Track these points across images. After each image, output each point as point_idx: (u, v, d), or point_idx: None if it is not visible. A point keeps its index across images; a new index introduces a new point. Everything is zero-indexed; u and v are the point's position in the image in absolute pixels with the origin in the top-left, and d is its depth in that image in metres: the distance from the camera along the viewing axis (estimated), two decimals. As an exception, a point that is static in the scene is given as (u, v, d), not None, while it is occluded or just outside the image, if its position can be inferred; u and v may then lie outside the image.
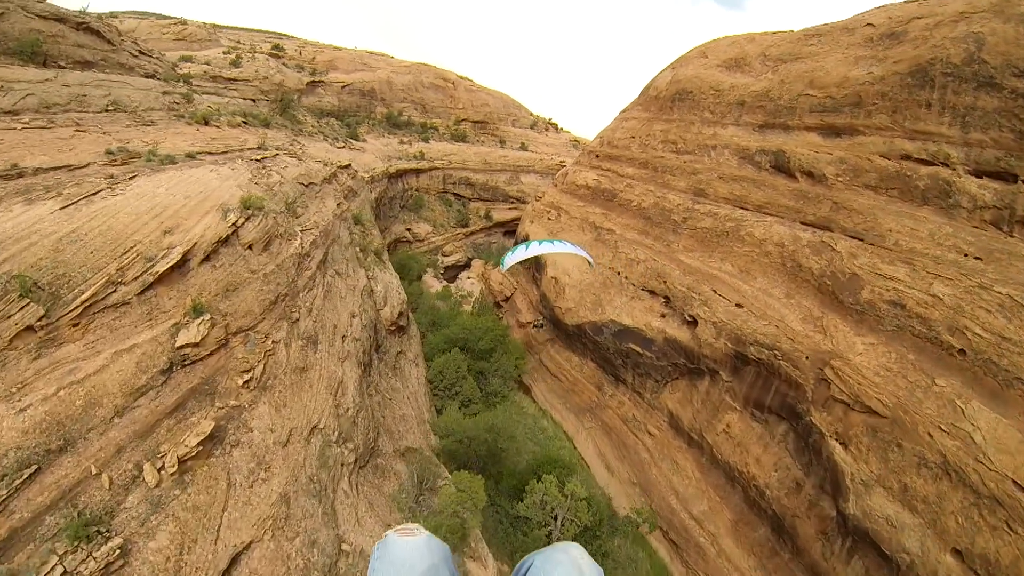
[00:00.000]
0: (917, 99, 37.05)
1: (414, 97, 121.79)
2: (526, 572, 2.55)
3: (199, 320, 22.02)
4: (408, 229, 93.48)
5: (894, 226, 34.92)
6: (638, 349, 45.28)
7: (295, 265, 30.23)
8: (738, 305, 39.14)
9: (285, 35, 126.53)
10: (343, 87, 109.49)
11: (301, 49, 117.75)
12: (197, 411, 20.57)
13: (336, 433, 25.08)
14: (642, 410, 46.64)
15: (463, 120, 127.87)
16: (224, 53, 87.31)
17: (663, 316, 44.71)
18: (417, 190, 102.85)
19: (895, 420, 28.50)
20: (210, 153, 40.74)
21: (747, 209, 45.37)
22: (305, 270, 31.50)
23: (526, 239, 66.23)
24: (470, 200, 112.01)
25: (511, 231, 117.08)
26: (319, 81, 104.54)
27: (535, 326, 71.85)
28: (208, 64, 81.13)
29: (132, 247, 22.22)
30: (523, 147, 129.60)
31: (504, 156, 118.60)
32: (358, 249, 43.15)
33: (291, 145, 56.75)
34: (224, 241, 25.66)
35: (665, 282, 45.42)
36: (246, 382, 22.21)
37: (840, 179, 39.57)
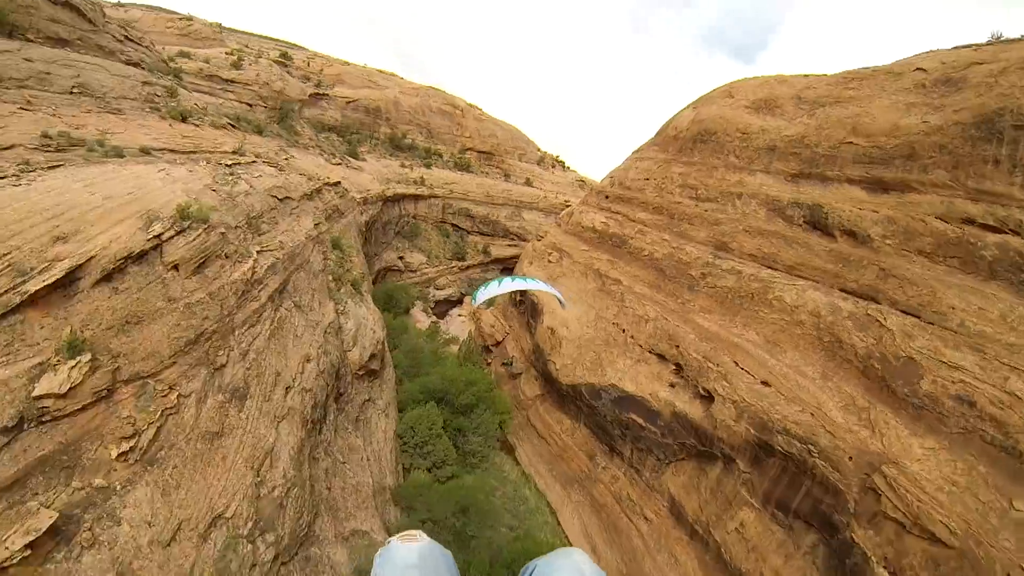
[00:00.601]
0: (983, 154, 31.85)
1: (420, 120, 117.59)
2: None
3: (74, 361, 16.24)
4: (400, 257, 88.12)
5: (957, 303, 29.34)
6: (640, 421, 39.39)
7: (237, 294, 24.53)
8: (764, 383, 33.43)
9: (296, 45, 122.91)
10: (348, 103, 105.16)
11: (310, 60, 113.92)
12: (42, 492, 14.67)
13: (250, 523, 18.96)
14: (639, 490, 40.52)
15: (468, 149, 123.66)
16: (227, 54, 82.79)
17: (672, 386, 38.95)
18: (414, 217, 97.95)
19: (964, 553, 22.54)
20: (172, 151, 35.70)
21: (776, 269, 39.95)
22: (251, 301, 25.78)
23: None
24: (469, 232, 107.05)
25: (509, 268, 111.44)
26: (323, 94, 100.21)
27: (504, 364, 66.00)
28: (207, 63, 76.50)
29: (4, 255, 16.57)
30: (528, 183, 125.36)
31: (508, 190, 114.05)
32: (331, 278, 37.54)
33: (276, 155, 51.82)
34: (138, 258, 19.98)
35: (677, 347, 39.77)
36: (124, 453, 16.29)
37: (888, 242, 34.19)
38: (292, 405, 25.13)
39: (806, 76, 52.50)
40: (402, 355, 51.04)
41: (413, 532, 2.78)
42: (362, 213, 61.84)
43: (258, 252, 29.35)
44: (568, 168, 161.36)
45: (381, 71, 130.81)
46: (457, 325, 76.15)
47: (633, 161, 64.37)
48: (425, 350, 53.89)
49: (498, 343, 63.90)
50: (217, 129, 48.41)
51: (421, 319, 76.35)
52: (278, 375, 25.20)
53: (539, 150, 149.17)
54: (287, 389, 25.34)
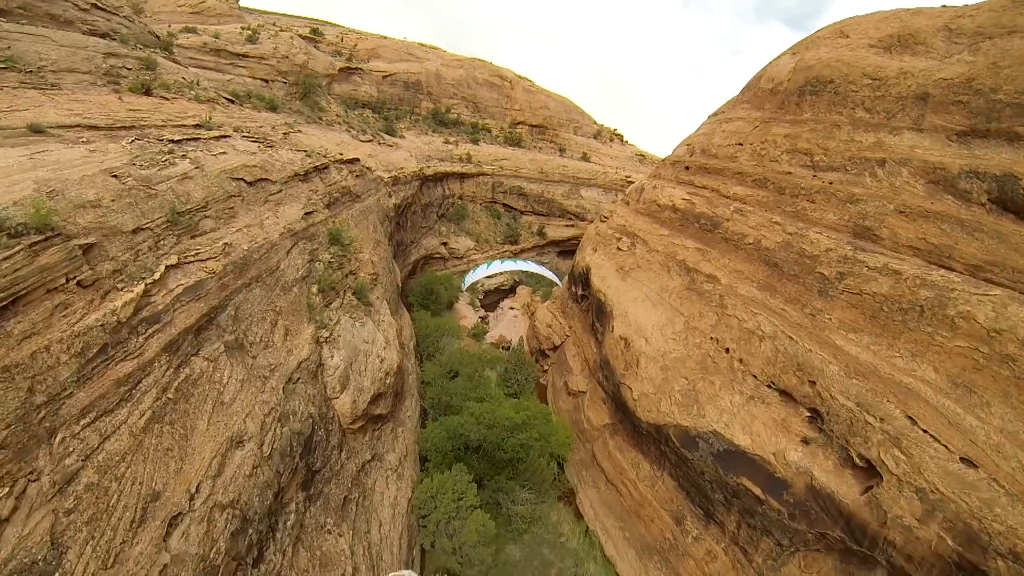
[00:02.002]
0: None
1: (465, 93, 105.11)
2: None
3: None
4: (444, 243, 76.47)
5: None
6: (756, 491, 26.62)
7: (82, 355, 13.12)
8: (967, 461, 20.25)
9: (328, 23, 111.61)
10: (384, 77, 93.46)
11: (343, 36, 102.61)
12: None
13: None
14: (751, 579, 28.10)
15: (519, 123, 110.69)
16: (243, 29, 72.03)
17: (806, 443, 25.95)
18: (460, 197, 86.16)
19: None
20: (91, 127, 25.06)
21: (953, 269, 26.34)
22: (117, 361, 14.28)
23: (586, 272, 48.08)
24: (522, 213, 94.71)
25: (567, 251, 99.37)
26: (356, 68, 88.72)
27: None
28: (215, 37, 65.84)
29: None
30: (585, 157, 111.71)
31: (563, 166, 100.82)
32: (314, 289, 25.90)
33: (273, 130, 40.51)
34: None
35: (812, 383, 26.69)
36: None
37: None
38: (183, 551, 13.55)
39: (943, 7, 38.46)
40: (438, 367, 39.22)
41: (405, 573, 3.38)
42: (390, 195, 50.20)
43: (170, 267, 17.88)
44: (626, 142, 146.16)
45: (421, 44, 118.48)
46: (508, 322, 64.15)
47: (716, 124, 50.72)
48: (464, 365, 41.76)
49: (556, 347, 51.61)
50: (201, 103, 37.76)
51: (467, 315, 64.69)
52: (153, 499, 13.62)
53: (595, 123, 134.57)
54: (173, 522, 13.75)
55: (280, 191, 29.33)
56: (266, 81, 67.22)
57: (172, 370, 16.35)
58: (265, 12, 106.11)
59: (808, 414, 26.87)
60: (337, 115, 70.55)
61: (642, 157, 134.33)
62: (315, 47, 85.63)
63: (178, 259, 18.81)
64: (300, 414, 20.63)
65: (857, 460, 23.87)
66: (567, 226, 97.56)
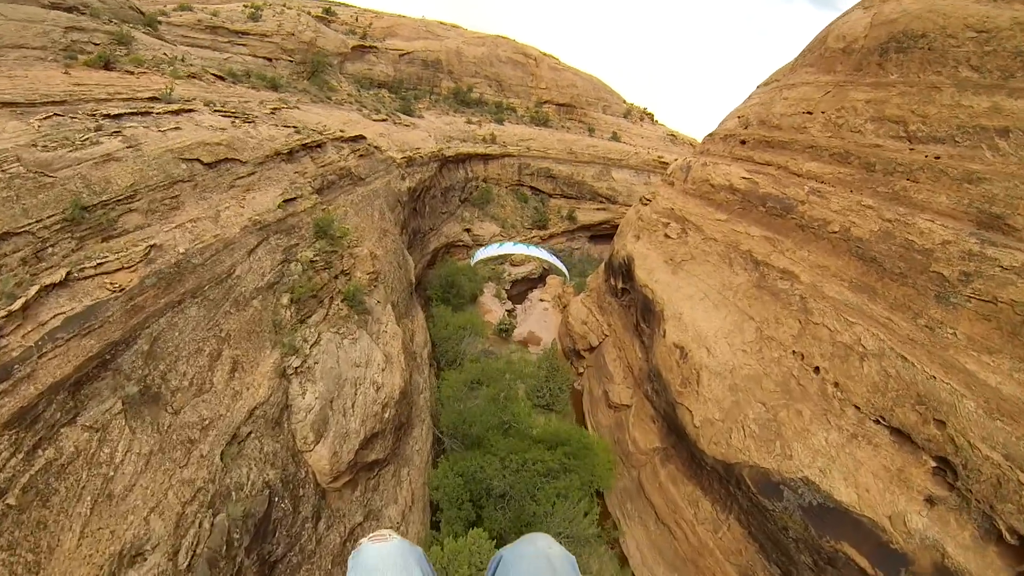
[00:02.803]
0: None
1: (488, 72, 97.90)
2: (496, 569, 2.54)
3: None
4: (467, 230, 69.97)
5: None
6: (862, 563, 19.54)
7: None
8: None
9: (343, 3, 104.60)
10: (401, 55, 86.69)
11: (358, 16, 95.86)
12: None
13: None
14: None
15: (546, 102, 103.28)
16: (244, 7, 65.80)
17: (930, 503, 19.08)
18: (485, 180, 79.52)
19: None
20: (7, 104, 18.50)
21: None
22: None
23: (627, 263, 41.15)
24: (550, 196, 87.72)
25: (598, 236, 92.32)
26: (370, 47, 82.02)
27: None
28: (214, 15, 59.74)
29: None
30: (615, 137, 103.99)
31: (593, 146, 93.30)
32: (286, 300, 19.52)
33: (263, 105, 34.53)
34: None
35: (942, 423, 19.74)
36: None
37: None
38: None
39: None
40: (450, 393, 32.41)
41: (384, 532, 2.62)
42: (403, 177, 43.63)
43: (49, 287, 11.94)
44: (657, 122, 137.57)
45: (441, 22, 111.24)
46: (538, 316, 57.39)
47: (774, 91, 43.33)
48: (487, 378, 35.15)
49: (592, 348, 44.88)
50: (179, 79, 32.26)
51: (492, 308, 58.14)
52: None
53: (624, 101, 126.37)
54: None
55: (253, 173, 23.06)
56: (269, 60, 61.22)
57: (21, 456, 10.18)
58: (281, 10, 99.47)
59: (934, 464, 19.86)
60: (349, 94, 64.21)
61: (673, 137, 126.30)
62: (327, 26, 79.21)
63: (68, 274, 12.64)
64: (250, 486, 14.41)
65: (1007, 535, 16.96)
66: (598, 209, 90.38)
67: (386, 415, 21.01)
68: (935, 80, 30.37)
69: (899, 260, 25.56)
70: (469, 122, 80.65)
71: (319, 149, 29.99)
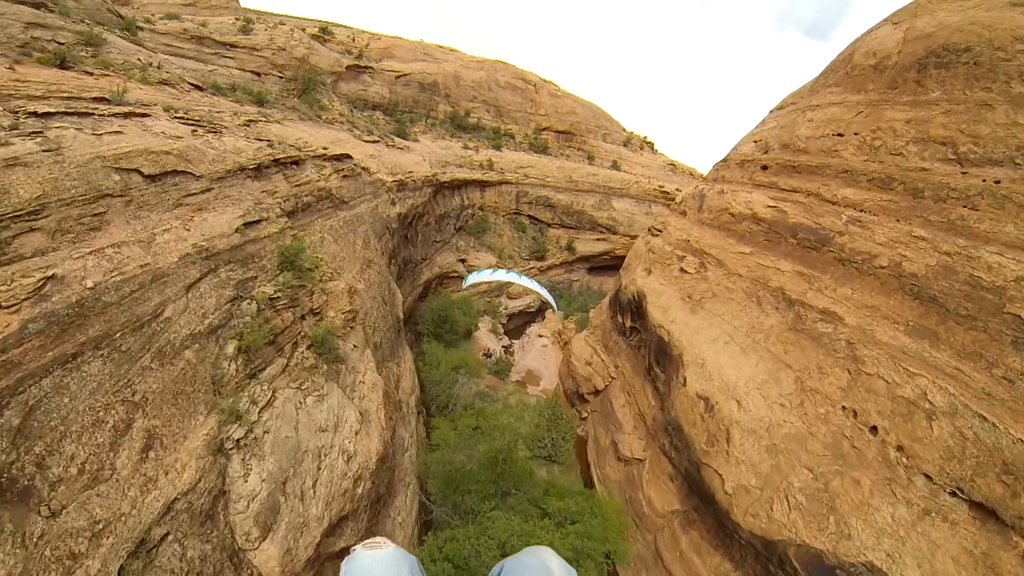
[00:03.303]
0: None
1: (486, 96, 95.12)
2: None
3: None
4: (462, 260, 66.02)
5: None
6: None
7: None
8: None
9: (341, 25, 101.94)
10: (398, 77, 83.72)
11: (355, 36, 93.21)
12: None
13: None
14: None
15: (544, 128, 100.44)
16: (235, 20, 62.64)
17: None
18: (481, 208, 76.01)
19: None
20: None
21: None
22: None
23: (638, 300, 37.23)
24: (549, 225, 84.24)
25: (597, 268, 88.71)
26: (366, 67, 79.03)
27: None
28: (202, 25, 56.47)
29: None
30: (615, 166, 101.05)
31: (593, 174, 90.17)
32: (231, 349, 15.35)
33: (236, 116, 30.81)
34: None
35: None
36: None
37: None
38: None
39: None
40: (442, 452, 27.90)
41: (378, 539, 2.59)
42: (393, 202, 39.77)
43: None
44: (657, 151, 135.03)
45: (440, 46, 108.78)
46: (536, 353, 53.25)
47: (794, 114, 40.14)
48: (487, 411, 30.95)
49: (597, 392, 40.68)
50: (150, 85, 28.66)
51: (488, 344, 53.95)
52: None
53: (624, 130, 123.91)
54: None
55: (208, 190, 19.13)
56: (258, 75, 57.83)
57: None
58: (270, 13, 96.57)
59: (1042, 555, 15.91)
60: (340, 114, 60.74)
61: (673, 166, 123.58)
62: (323, 45, 76.27)
63: None
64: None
65: None
66: (598, 240, 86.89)
67: (359, 490, 16.80)
68: (984, 97, 27.07)
69: (965, 300, 21.78)
70: (466, 147, 77.39)
71: (295, 167, 26.16)
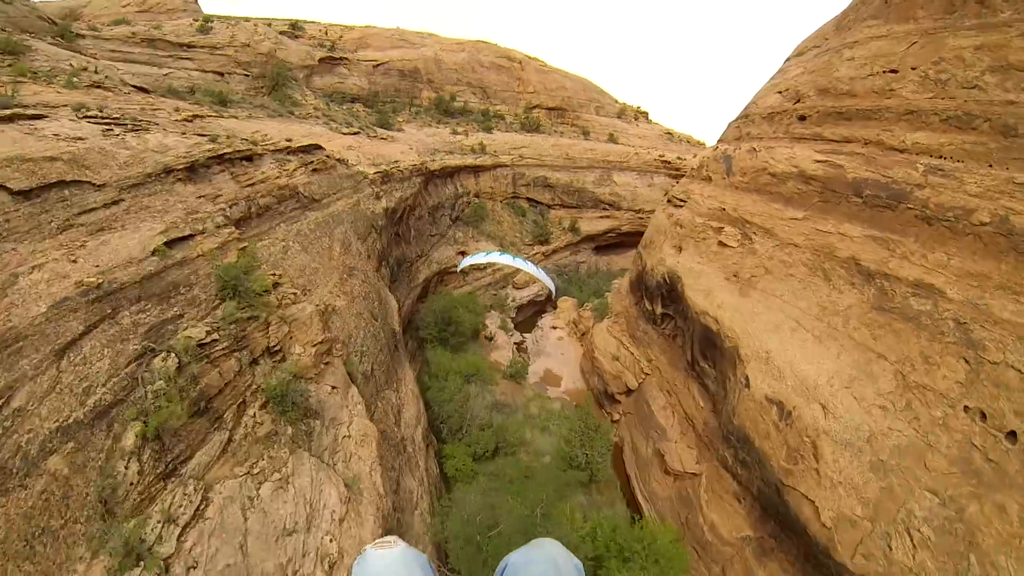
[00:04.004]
0: None
1: (471, 79, 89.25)
2: (503, 573, 2.50)
3: None
4: (462, 252, 60.50)
5: None
6: None
7: None
8: None
9: (310, 22, 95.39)
10: (376, 66, 77.94)
11: (326, 30, 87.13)
12: None
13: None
14: None
15: (535, 107, 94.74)
16: (193, 21, 56.80)
17: None
18: (477, 195, 70.50)
19: None
20: None
21: None
22: None
23: (670, 283, 31.93)
24: (549, 207, 78.82)
25: (604, 247, 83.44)
26: (340, 58, 73.17)
27: (607, 393, 38.90)
28: (157, 28, 50.81)
29: None
30: (612, 139, 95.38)
31: (591, 149, 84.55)
32: (134, 440, 10.20)
33: (177, 112, 25.48)
34: None
35: None
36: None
37: None
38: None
39: None
40: (464, 488, 22.86)
41: (388, 539, 2.56)
42: (378, 196, 34.35)
43: None
44: (652, 121, 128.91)
45: (417, 32, 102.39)
46: (553, 347, 47.96)
47: (826, 55, 34.81)
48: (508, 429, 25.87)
49: (629, 391, 35.51)
50: (76, 90, 23.31)
51: (499, 344, 48.68)
52: None
53: (616, 101, 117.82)
54: None
55: (116, 203, 14.00)
56: (221, 75, 52.29)
57: None
58: (233, 17, 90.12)
59: None
60: (315, 108, 55.29)
61: (670, 135, 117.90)
62: (293, 40, 70.40)
63: None
64: None
65: None
66: (602, 217, 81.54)
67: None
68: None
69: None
70: (455, 132, 71.89)
71: (247, 163, 20.85)
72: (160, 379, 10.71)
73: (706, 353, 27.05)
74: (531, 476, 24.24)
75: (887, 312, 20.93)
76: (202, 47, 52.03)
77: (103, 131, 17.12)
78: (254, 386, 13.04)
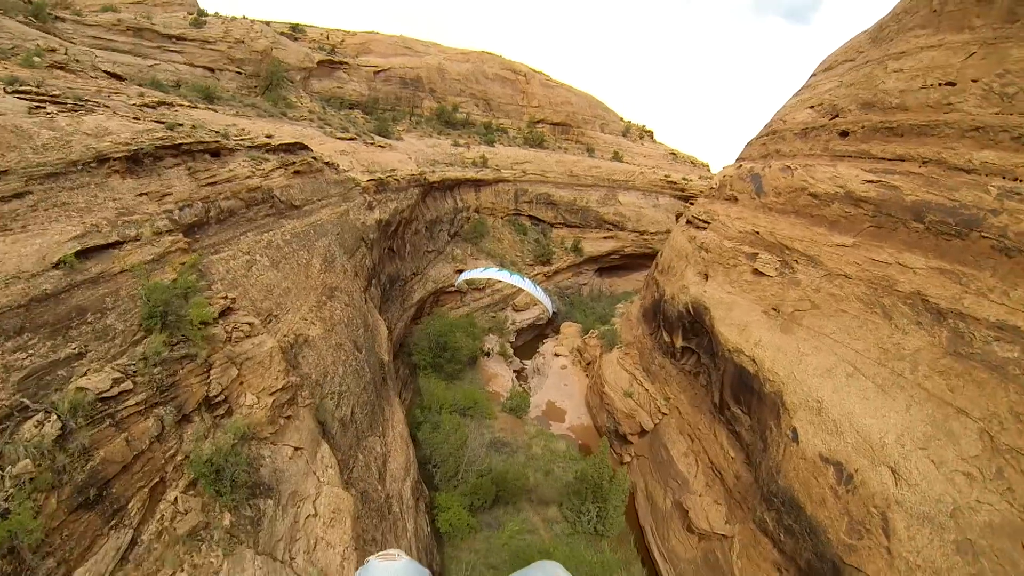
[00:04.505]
0: None
1: (474, 90, 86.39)
2: None
3: None
4: (460, 271, 57.04)
5: None
6: None
7: None
8: None
9: (311, 25, 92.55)
10: (377, 72, 74.97)
11: (328, 34, 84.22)
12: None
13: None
14: None
15: (539, 121, 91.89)
16: (188, 14, 53.70)
17: None
18: (477, 211, 67.39)
19: None
20: None
21: None
22: None
23: (696, 314, 28.44)
24: (552, 225, 75.64)
25: (607, 269, 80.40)
26: (341, 63, 70.15)
27: (617, 432, 34.62)
28: (146, 17, 47.62)
29: None
30: (617, 157, 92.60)
31: (596, 167, 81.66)
32: None
33: (141, 97, 22.01)
34: None
35: None
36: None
37: None
38: None
39: None
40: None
41: (392, 551, 2.57)
42: (371, 206, 30.92)
43: None
44: (655, 140, 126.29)
45: (421, 41, 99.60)
46: (556, 378, 44.29)
47: (869, 67, 32.13)
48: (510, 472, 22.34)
49: (642, 432, 31.94)
50: (27, 68, 20.25)
51: (498, 371, 45.00)
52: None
53: (621, 119, 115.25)
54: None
55: (19, 196, 10.74)
56: (212, 71, 49.18)
57: None
58: (233, 17, 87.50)
59: None
60: (311, 111, 52.12)
61: (674, 155, 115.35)
62: (293, 41, 67.34)
63: None
64: None
65: None
66: (605, 238, 78.47)
67: None
68: None
69: None
70: (456, 144, 68.78)
71: (212, 158, 17.45)
72: (25, 457, 7.26)
73: (739, 396, 23.58)
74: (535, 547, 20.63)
75: (965, 359, 17.58)
76: (193, 40, 48.92)
77: (30, 108, 13.76)
78: (180, 456, 9.52)
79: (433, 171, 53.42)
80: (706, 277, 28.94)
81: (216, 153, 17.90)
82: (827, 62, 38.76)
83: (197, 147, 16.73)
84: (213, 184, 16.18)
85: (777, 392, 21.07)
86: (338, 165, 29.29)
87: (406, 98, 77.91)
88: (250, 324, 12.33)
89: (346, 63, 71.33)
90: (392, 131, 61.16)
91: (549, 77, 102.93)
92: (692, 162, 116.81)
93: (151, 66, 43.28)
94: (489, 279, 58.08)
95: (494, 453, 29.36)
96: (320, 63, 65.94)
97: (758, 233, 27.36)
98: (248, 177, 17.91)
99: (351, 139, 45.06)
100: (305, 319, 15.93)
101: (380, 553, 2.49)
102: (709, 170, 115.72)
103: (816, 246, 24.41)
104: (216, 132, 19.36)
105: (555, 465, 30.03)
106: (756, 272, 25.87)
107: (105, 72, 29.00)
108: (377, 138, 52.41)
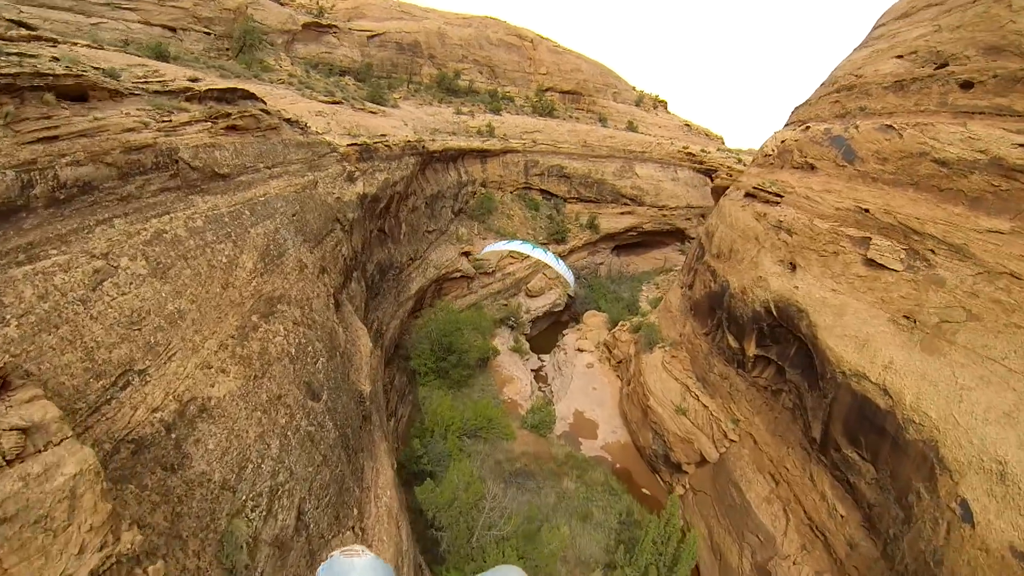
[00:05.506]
0: None
1: (478, 56, 78.60)
2: None
3: None
4: (466, 253, 50.14)
5: None
6: None
7: None
8: None
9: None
10: (371, 37, 67.23)
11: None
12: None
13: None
14: None
15: (547, 89, 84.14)
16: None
17: None
18: (483, 185, 60.53)
19: None
20: None
21: None
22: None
23: (784, 313, 21.66)
24: (565, 200, 68.55)
25: (624, 247, 73.57)
26: (329, 26, 62.42)
27: (667, 458, 28.08)
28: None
29: None
30: (632, 127, 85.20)
31: (610, 137, 74.32)
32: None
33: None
34: None
35: None
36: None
37: None
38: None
39: None
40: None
41: (356, 547, 2.45)
42: (350, 177, 23.77)
43: None
44: (669, 110, 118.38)
45: (419, 6, 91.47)
46: (583, 381, 37.24)
47: (983, 5, 24.13)
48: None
49: (702, 462, 25.33)
50: None
51: (514, 373, 38.14)
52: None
53: (634, 88, 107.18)
54: None
55: None
56: (173, 30, 42.20)
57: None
58: None
59: None
60: (291, 75, 44.96)
61: (688, 126, 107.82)
62: (276, 3, 59.79)
63: None
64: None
65: None
66: (623, 213, 71.52)
67: None
68: None
69: None
70: (459, 112, 61.58)
71: (69, 103, 10.58)
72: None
73: (858, 437, 16.86)
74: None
75: None
76: (149, -4, 41.67)
77: None
78: None
79: (433, 140, 46.35)
80: (793, 267, 22.06)
81: (83, 97, 11.12)
82: (899, 9, 31.16)
83: (40, 85, 9.94)
84: (52, 140, 9.43)
85: (929, 441, 14.35)
86: (306, 124, 22.39)
87: (403, 65, 70.29)
88: (30, 426, 5.55)
89: (335, 27, 63.55)
90: (387, 98, 54.00)
91: (557, 43, 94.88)
92: (707, 134, 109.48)
93: (94, 24, 36.23)
94: (501, 257, 51.28)
95: (516, 492, 22.94)
96: (306, 26, 58.27)
97: (867, 211, 20.32)
98: (130, 130, 11.14)
99: (336, 103, 38.05)
100: (208, 367, 9.33)
101: (343, 549, 2.29)
102: (723, 143, 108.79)
103: (959, 231, 17.42)
104: (97, 68, 12.54)
105: (594, 505, 23.59)
106: (870, 263, 18.94)
107: (12, 21, 22.04)
108: (369, 104, 45.28)
